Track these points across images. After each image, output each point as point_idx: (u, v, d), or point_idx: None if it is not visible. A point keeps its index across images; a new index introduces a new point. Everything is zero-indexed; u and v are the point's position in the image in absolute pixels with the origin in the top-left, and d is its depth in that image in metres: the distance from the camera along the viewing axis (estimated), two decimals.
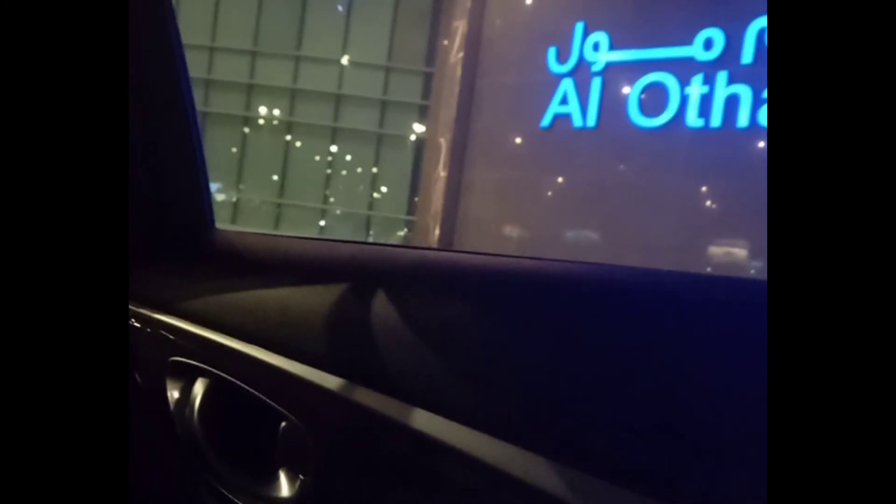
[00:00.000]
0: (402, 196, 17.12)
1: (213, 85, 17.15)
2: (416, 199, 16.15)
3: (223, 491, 0.66)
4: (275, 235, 0.90)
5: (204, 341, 0.70)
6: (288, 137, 17.41)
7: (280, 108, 17.34)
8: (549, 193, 12.01)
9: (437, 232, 13.57)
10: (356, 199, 17.27)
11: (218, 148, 17.14)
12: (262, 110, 17.43)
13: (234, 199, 17.50)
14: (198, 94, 14.82)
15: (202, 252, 0.83)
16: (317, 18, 16.89)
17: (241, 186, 17.65)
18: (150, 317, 0.76)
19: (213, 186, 16.45)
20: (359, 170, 17.21)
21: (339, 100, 16.89)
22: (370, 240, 16.18)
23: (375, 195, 17.34)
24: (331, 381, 0.56)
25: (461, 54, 13.30)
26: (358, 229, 16.58)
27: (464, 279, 0.57)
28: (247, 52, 17.07)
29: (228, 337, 0.68)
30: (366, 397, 0.54)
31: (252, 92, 17.29)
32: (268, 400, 0.63)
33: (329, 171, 17.39)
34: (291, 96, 17.21)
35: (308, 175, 17.25)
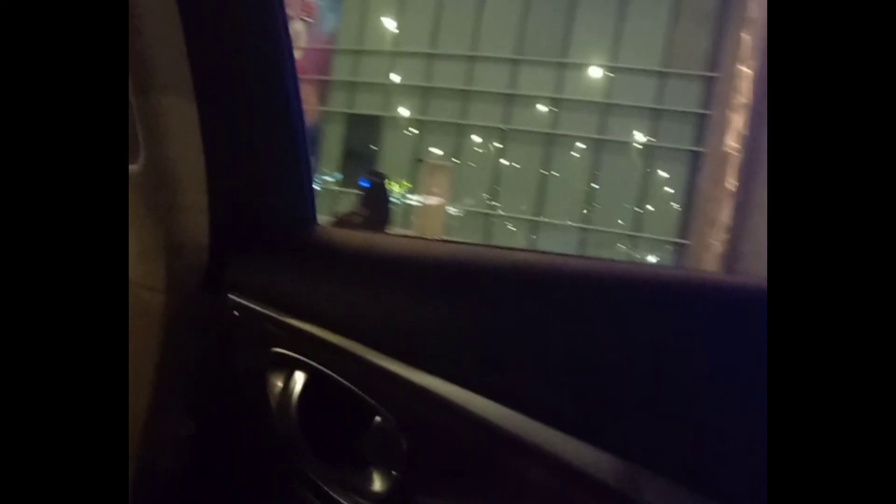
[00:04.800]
0: (671, 214, 17.07)
1: (470, 96, 18.51)
2: (689, 217, 16.03)
3: (316, 481, 0.74)
4: (375, 233, 1.10)
5: (303, 334, 0.77)
6: (547, 151, 18.11)
7: (539, 120, 18.13)
8: None
9: (717, 254, 13.48)
10: (617, 218, 17.45)
11: (476, 160, 18.37)
12: (520, 122, 18.30)
13: (485, 213, 18.48)
14: (454, 106, 16.09)
15: (304, 246, 0.90)
16: (584, 21, 17.54)
17: (493, 201, 18.61)
18: (252, 308, 0.83)
19: (474, 201, 17.28)
20: (623, 185, 17.32)
21: (605, 109, 17.34)
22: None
23: (640, 212, 17.45)
24: (425, 380, 0.62)
25: (751, 59, 13.23)
26: (614, 251, 16.67)
27: (564, 283, 0.63)
28: (507, 61, 18.15)
29: (326, 330, 0.74)
30: (461, 397, 0.58)
31: (511, 103, 18.30)
32: (362, 394, 0.69)
33: (590, 186, 17.84)
34: (553, 106, 17.96)
35: (567, 191, 17.84)
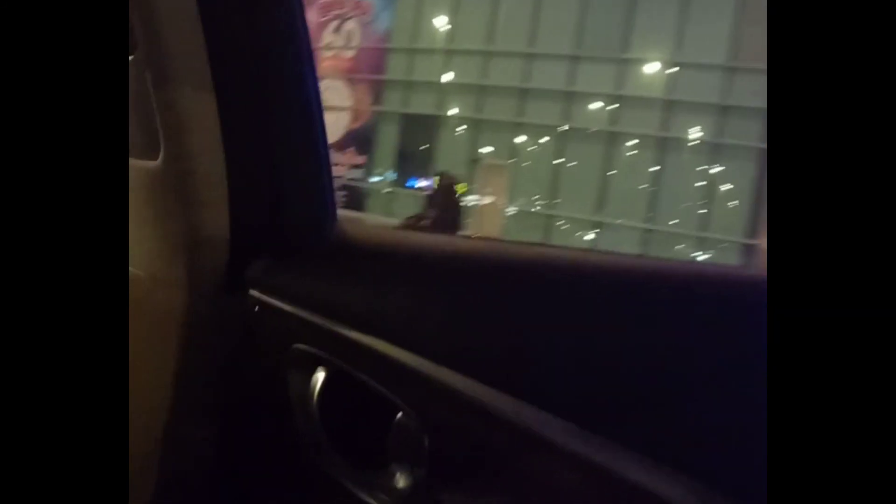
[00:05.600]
0: (738, 214, 16.67)
1: (527, 94, 18.46)
2: (758, 217, 15.69)
3: (338, 478, 0.75)
4: (396, 229, 1.18)
5: (324, 330, 0.77)
6: (608, 149, 17.96)
7: (599, 118, 17.98)
8: None
9: None
10: (681, 217, 17.16)
11: (534, 160, 18.31)
12: (579, 119, 18.18)
13: (543, 213, 18.41)
14: (511, 105, 16.07)
15: (325, 243, 0.91)
16: (646, 15, 17.29)
17: (551, 201, 18.53)
18: (273, 305, 0.84)
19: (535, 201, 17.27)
20: (687, 184, 17.05)
21: (668, 106, 17.10)
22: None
23: (705, 212, 17.14)
24: (448, 377, 0.62)
25: None
26: (678, 251, 16.42)
27: (585, 279, 0.63)
28: (566, 57, 18.05)
29: (348, 327, 0.75)
30: (484, 395, 0.58)
31: (569, 100, 18.19)
32: (384, 391, 0.70)
33: (652, 185, 17.58)
34: (613, 103, 17.79)
35: (628, 190, 17.61)
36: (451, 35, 19.27)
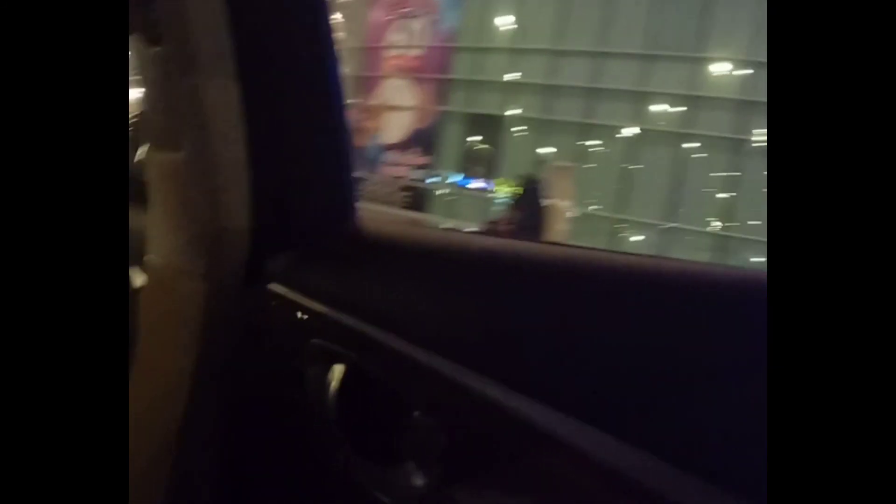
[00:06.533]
0: None
1: (596, 94, 18.27)
2: None
3: (352, 474, 0.75)
4: (418, 224, 1.12)
5: (342, 326, 0.78)
6: (679, 151, 17.65)
7: (670, 119, 17.69)
8: None
9: None
10: (758, 222, 16.74)
11: (602, 162, 18.12)
12: (649, 120, 17.92)
13: (611, 217, 18.20)
14: (579, 105, 15.90)
15: (345, 238, 0.91)
16: (719, 13, 16.92)
17: (619, 205, 18.30)
18: (292, 299, 0.85)
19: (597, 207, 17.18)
20: (763, 188, 16.59)
21: (742, 107, 16.70)
22: None
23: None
24: (466, 377, 0.62)
25: None
26: (753, 260, 16.02)
27: (605, 278, 0.62)
28: (637, 57, 17.81)
29: (366, 323, 0.75)
30: (502, 396, 0.58)
31: (640, 100, 17.94)
32: (401, 389, 0.71)
33: (725, 189, 17.17)
34: (685, 104, 17.47)
35: (700, 195, 17.23)
36: (518, 34, 19.22)
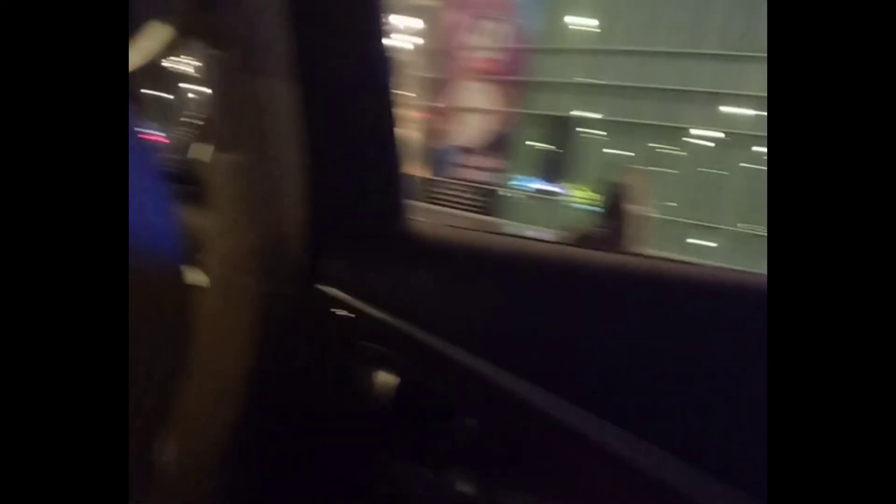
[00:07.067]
0: None
1: (679, 96, 17.87)
2: None
3: (400, 477, 0.76)
4: (469, 230, 1.02)
5: (393, 329, 0.79)
6: (762, 156, 17.15)
7: (754, 122, 17.21)
8: None
9: None
10: None
11: (682, 167, 17.73)
12: (733, 124, 17.47)
13: (693, 224, 17.79)
14: (661, 107, 15.56)
15: (397, 241, 0.93)
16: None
17: (700, 212, 17.88)
18: (343, 300, 0.86)
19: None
20: None
21: None
22: None
23: None
24: (516, 385, 0.62)
25: None
26: None
27: (664, 289, 0.61)
28: (723, 58, 17.37)
29: (416, 327, 0.76)
30: (552, 405, 0.58)
31: (723, 103, 17.50)
32: (451, 395, 0.71)
33: None
34: (757, 106, 16.96)
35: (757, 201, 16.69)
36: (597, 35, 19.00)
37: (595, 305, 0.63)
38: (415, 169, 20.86)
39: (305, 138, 0.89)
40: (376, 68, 0.93)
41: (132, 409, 0.64)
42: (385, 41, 0.93)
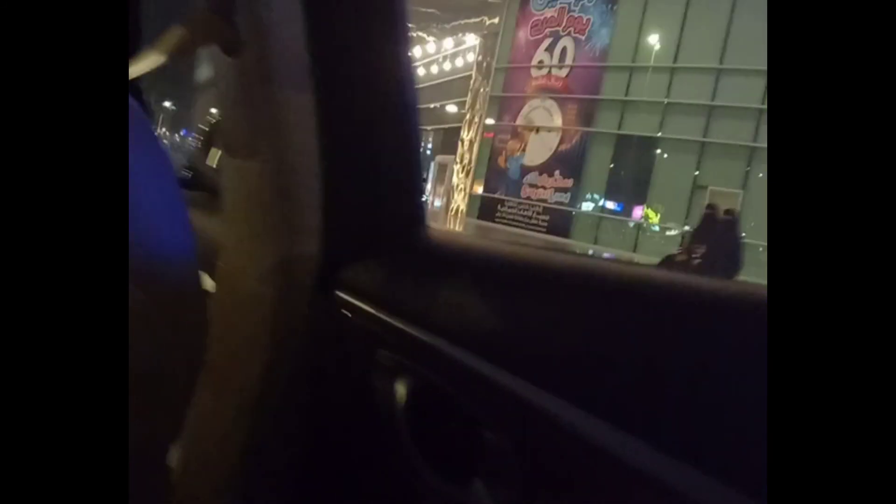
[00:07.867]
0: None
1: (760, 114, 17.47)
2: None
3: (421, 489, 0.74)
4: (488, 239, 0.96)
5: (411, 338, 0.77)
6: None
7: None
8: None
9: None
10: None
11: (762, 184, 17.29)
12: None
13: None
14: (740, 126, 15.24)
15: (416, 249, 0.92)
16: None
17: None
18: (362, 308, 0.86)
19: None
20: None
21: None
22: None
23: None
24: (539, 397, 0.60)
25: None
26: None
27: (677, 299, 0.59)
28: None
29: (435, 336, 0.74)
30: (580, 420, 0.56)
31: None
32: (470, 406, 0.69)
33: None
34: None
35: None
36: (676, 52, 18.74)
37: (617, 316, 0.62)
38: (484, 188, 20.99)
39: (323, 146, 0.89)
40: (395, 75, 0.92)
41: (147, 414, 0.64)
42: (405, 48, 0.93)
